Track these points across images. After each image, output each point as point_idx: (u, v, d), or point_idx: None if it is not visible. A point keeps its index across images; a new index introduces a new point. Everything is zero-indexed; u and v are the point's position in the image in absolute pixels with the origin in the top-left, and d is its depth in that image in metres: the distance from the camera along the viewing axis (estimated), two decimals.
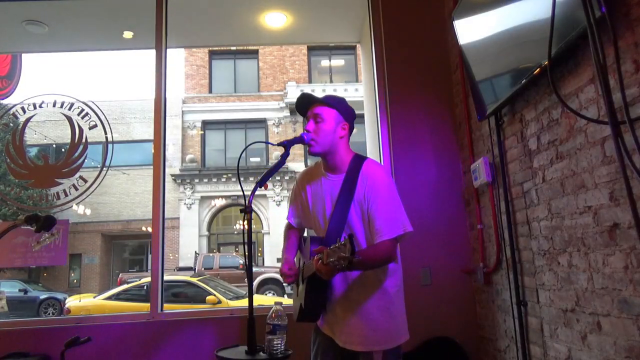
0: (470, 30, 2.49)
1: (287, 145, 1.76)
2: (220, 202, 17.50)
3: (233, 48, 17.76)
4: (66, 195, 3.26)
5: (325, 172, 1.84)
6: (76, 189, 3.25)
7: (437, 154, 3.02)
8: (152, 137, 3.12)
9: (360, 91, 12.86)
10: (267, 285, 12.41)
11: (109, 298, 8.57)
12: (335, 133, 1.77)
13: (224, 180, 17.30)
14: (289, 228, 2.02)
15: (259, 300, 8.72)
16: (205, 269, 13.39)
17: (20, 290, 13.17)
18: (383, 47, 3.15)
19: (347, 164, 1.79)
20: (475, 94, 2.54)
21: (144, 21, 3.36)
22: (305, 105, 1.84)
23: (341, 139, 1.80)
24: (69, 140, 3.33)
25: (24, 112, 3.35)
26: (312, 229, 1.91)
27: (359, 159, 1.80)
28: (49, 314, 12.72)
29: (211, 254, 15.58)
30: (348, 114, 1.82)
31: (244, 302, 7.24)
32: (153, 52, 3.22)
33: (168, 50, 3.25)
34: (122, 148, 15.45)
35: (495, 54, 2.24)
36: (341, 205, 1.73)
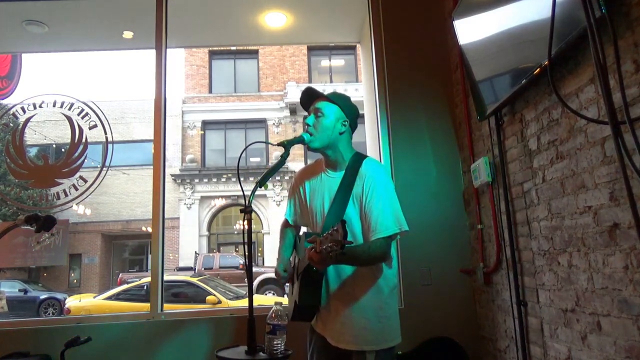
0: (470, 30, 2.49)
1: (287, 145, 1.77)
2: (220, 202, 17.50)
3: (233, 48, 17.76)
4: (66, 195, 3.26)
5: (326, 168, 1.85)
6: (76, 189, 3.25)
7: (437, 154, 3.02)
8: (152, 137, 3.12)
9: (360, 91, 12.81)
10: (267, 285, 12.41)
11: (109, 298, 8.57)
12: (334, 129, 1.78)
13: (224, 180, 17.31)
14: (285, 226, 2.01)
15: (259, 300, 8.73)
16: (205, 269, 13.40)
17: (20, 290, 13.17)
18: (383, 47, 3.15)
19: (346, 162, 1.80)
20: (475, 94, 2.54)
21: (144, 21, 3.36)
22: (309, 100, 1.85)
23: (341, 135, 1.80)
24: (69, 140, 3.33)
25: (24, 112, 3.35)
26: (308, 226, 1.91)
27: (359, 157, 1.82)
28: (49, 314, 12.72)
29: (211, 254, 15.58)
30: (350, 110, 1.83)
31: (244, 302, 7.24)
32: (153, 52, 3.21)
33: (168, 50, 3.25)
34: (122, 148, 15.44)
35: (495, 54, 2.24)
36: (339, 202, 1.74)
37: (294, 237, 1.98)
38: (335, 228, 1.38)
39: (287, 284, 1.95)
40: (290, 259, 1.93)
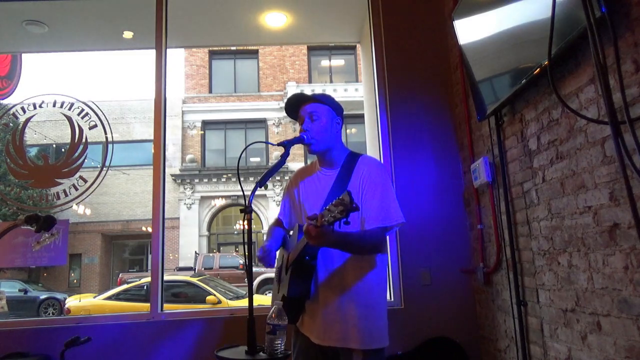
0: (470, 30, 2.49)
1: (287, 145, 1.77)
2: (220, 202, 17.51)
3: (233, 48, 17.78)
4: (66, 195, 3.26)
5: (321, 167, 1.87)
6: (76, 189, 3.25)
7: (437, 154, 3.02)
8: (152, 137, 3.12)
9: (360, 91, 12.85)
10: (267, 285, 12.39)
11: (109, 298, 8.58)
12: (331, 129, 1.81)
13: (224, 180, 17.31)
14: (275, 225, 2.00)
15: (259, 300, 8.73)
16: (205, 269, 13.40)
17: (20, 290, 13.17)
18: (383, 47, 3.15)
19: (342, 159, 1.82)
20: (475, 94, 2.54)
21: (144, 21, 3.36)
22: (295, 106, 1.85)
23: (337, 134, 1.83)
24: (69, 140, 3.33)
25: (24, 112, 3.35)
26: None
27: (355, 155, 1.85)
28: (49, 314, 12.72)
29: (211, 254, 15.59)
30: (339, 109, 1.86)
31: (244, 302, 7.24)
32: (153, 52, 3.22)
33: (168, 50, 3.25)
34: (122, 148, 15.46)
35: (495, 53, 2.24)
36: (334, 196, 1.73)
37: (281, 235, 1.97)
38: (340, 198, 1.32)
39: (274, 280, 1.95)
40: (277, 257, 1.92)
